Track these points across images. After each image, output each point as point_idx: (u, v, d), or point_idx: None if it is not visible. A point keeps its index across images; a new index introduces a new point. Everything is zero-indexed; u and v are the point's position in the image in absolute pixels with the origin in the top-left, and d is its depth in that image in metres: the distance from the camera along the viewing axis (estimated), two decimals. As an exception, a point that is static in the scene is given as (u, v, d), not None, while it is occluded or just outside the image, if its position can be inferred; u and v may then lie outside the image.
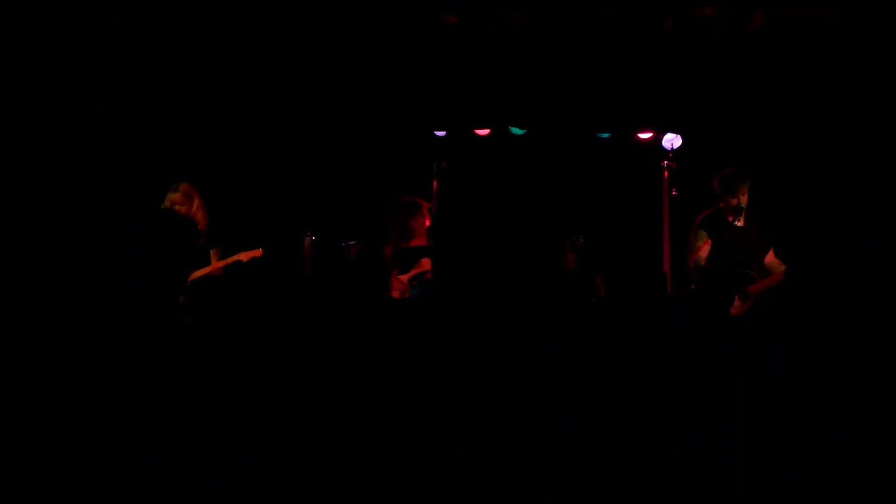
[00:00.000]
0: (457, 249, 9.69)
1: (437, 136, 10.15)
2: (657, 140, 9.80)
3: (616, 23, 9.17)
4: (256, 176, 10.02)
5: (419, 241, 8.75)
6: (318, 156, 10.20)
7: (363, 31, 9.27)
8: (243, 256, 8.42)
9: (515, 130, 10.10)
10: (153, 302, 7.06)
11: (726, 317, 7.46)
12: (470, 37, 9.36)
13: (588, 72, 9.55)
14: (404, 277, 8.25)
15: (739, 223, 8.07)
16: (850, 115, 9.42)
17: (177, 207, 8.34)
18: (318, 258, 9.07)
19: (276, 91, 9.69)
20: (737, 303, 7.52)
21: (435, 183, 9.50)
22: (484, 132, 10.12)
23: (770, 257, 7.98)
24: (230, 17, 9.15)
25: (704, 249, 8.13)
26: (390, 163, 10.31)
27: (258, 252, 8.50)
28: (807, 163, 9.63)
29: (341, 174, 10.27)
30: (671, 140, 9.65)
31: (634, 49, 9.37)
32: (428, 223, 8.79)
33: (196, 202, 8.40)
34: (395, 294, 8.08)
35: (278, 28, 9.24)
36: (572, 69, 9.55)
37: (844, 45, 9.06)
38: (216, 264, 8.36)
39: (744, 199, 8.07)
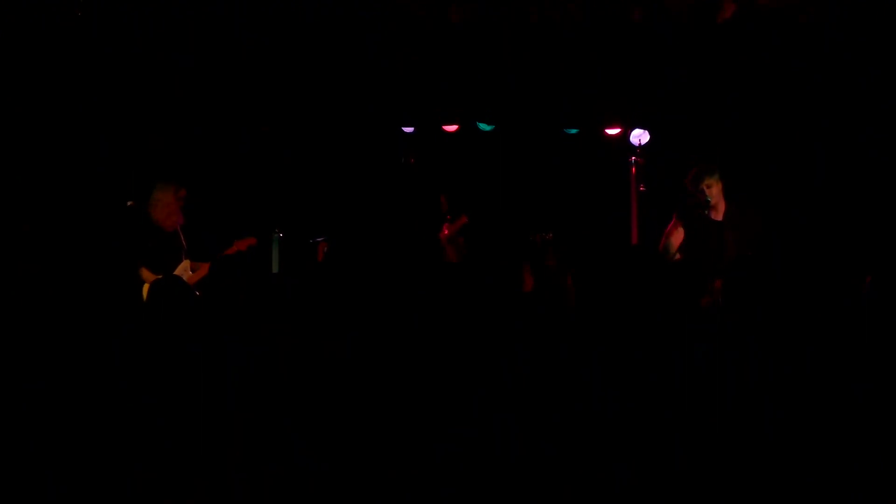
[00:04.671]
0: (427, 245, 9.68)
1: (405, 132, 10.13)
2: (625, 136, 9.74)
3: (584, 16, 9.13)
4: (223, 173, 9.92)
5: None
6: (286, 153, 10.15)
7: (332, 28, 9.19)
8: (241, 245, 8.33)
9: (483, 126, 10.07)
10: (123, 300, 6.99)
11: (694, 308, 7.36)
12: (439, 33, 9.31)
13: (556, 67, 9.53)
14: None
15: (716, 217, 8.02)
16: (823, 107, 9.43)
17: (178, 199, 8.21)
18: (286, 255, 9.01)
19: (241, 89, 9.61)
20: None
21: (404, 179, 9.51)
22: (452, 128, 10.10)
23: None
24: (196, 12, 9.05)
25: (675, 236, 8.05)
26: (358, 159, 10.30)
27: (253, 240, 8.41)
28: (779, 157, 9.64)
29: (308, 171, 10.22)
30: (639, 136, 9.59)
31: (603, 43, 9.36)
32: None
33: None
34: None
35: (245, 26, 9.15)
36: (540, 64, 9.53)
37: (816, 36, 9.06)
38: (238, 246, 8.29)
39: (712, 192, 7.97)
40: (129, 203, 8.36)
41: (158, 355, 5.04)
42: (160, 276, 7.81)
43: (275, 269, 8.94)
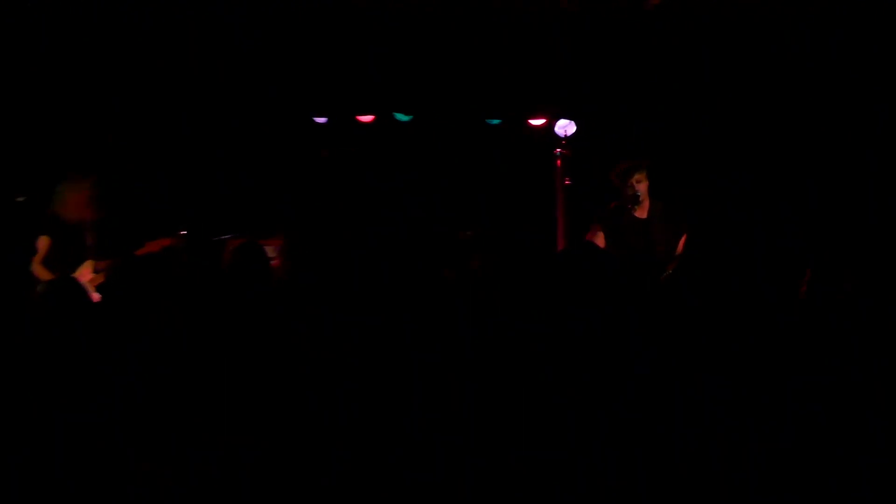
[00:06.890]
0: (344, 240, 9.55)
1: (318, 123, 9.94)
2: (550, 127, 9.57)
3: (509, 4, 8.97)
4: (130, 171, 9.61)
5: None
6: (194, 147, 9.86)
7: (244, 16, 8.99)
8: (153, 247, 8.07)
9: (400, 117, 9.92)
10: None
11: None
12: (352, 20, 9.12)
13: (478, 55, 9.38)
14: None
15: (641, 214, 7.90)
16: (752, 96, 9.42)
17: (87, 190, 7.84)
18: (192, 253, 8.78)
19: (151, 81, 9.37)
20: None
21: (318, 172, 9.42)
22: (367, 119, 9.94)
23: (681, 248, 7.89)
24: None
25: (596, 241, 7.98)
26: (268, 152, 10.08)
27: (167, 241, 8.20)
28: (707, 148, 9.64)
29: (218, 165, 9.96)
30: (565, 127, 9.44)
31: (526, 31, 9.21)
32: None
33: None
34: None
35: (156, 16, 8.90)
36: (461, 52, 9.38)
37: (745, 24, 9.03)
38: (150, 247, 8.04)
39: (640, 188, 7.88)
40: (18, 199, 8.07)
41: (48, 361, 4.82)
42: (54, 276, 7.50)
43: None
